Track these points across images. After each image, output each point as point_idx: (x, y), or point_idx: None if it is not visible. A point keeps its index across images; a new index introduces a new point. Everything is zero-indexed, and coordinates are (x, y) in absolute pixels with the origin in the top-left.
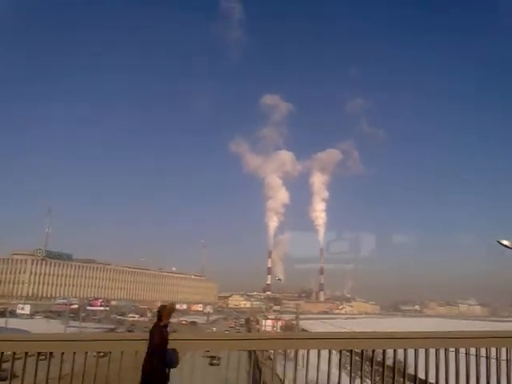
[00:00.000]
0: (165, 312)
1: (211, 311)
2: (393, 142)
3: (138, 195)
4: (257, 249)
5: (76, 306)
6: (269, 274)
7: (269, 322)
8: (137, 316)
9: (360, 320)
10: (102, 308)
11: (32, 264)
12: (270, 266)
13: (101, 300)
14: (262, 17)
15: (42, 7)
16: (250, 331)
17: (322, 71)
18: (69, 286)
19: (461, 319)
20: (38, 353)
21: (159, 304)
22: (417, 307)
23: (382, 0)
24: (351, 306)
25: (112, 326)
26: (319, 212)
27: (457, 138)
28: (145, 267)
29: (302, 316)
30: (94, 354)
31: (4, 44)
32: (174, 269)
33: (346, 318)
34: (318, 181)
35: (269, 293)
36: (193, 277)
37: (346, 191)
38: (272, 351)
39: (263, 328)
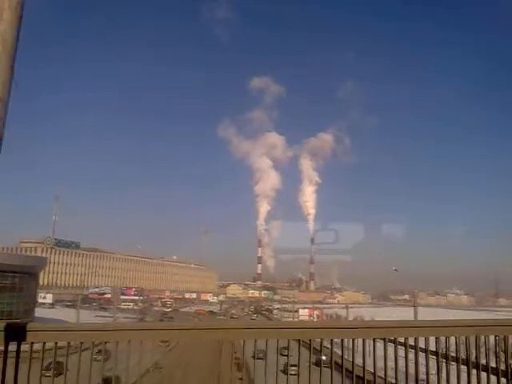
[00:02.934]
0: None
1: (224, 299)
2: (385, 129)
3: (132, 183)
4: (247, 237)
5: (109, 296)
6: (259, 263)
7: (306, 312)
8: (131, 304)
9: (358, 309)
10: (137, 297)
11: (42, 252)
12: (259, 254)
13: (134, 289)
14: None
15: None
16: (270, 319)
17: (315, 55)
18: (78, 275)
19: (451, 309)
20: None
21: (168, 293)
22: (406, 297)
23: None
24: (343, 296)
25: (140, 316)
26: (309, 199)
27: (450, 129)
28: (147, 256)
29: (297, 306)
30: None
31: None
32: (174, 257)
33: (343, 307)
34: (308, 166)
35: (259, 282)
36: (193, 265)
37: (336, 178)
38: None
39: (300, 317)
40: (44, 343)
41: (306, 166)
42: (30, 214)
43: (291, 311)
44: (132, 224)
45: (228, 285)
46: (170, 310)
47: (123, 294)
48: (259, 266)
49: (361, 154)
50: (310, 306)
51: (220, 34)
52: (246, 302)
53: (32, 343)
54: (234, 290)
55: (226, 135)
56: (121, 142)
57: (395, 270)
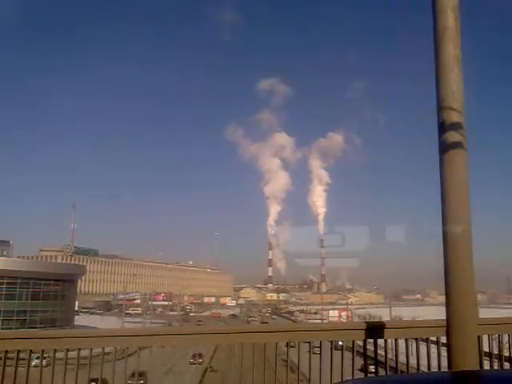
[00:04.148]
0: None
1: (243, 303)
2: (395, 127)
3: (145, 190)
4: (257, 240)
5: (138, 301)
6: (270, 266)
7: (335, 313)
8: (139, 309)
9: (377, 310)
10: (166, 303)
11: (62, 260)
12: (270, 257)
13: (163, 294)
14: None
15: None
16: (295, 322)
17: (322, 54)
18: (97, 281)
19: None
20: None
21: (186, 298)
22: (418, 296)
23: None
24: (356, 297)
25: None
26: (319, 200)
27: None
28: (164, 261)
29: (316, 307)
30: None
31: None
32: (190, 262)
33: (357, 308)
34: (318, 167)
35: (270, 285)
36: (208, 270)
37: (346, 178)
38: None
39: (330, 319)
40: (91, 349)
41: (316, 166)
42: (49, 222)
43: (309, 313)
44: (147, 230)
45: (241, 288)
46: (182, 314)
47: (152, 299)
48: (270, 268)
49: (370, 153)
50: (343, 307)
51: (226, 36)
52: (261, 304)
53: (79, 349)
54: (248, 294)
55: (235, 138)
56: (132, 148)
57: None
